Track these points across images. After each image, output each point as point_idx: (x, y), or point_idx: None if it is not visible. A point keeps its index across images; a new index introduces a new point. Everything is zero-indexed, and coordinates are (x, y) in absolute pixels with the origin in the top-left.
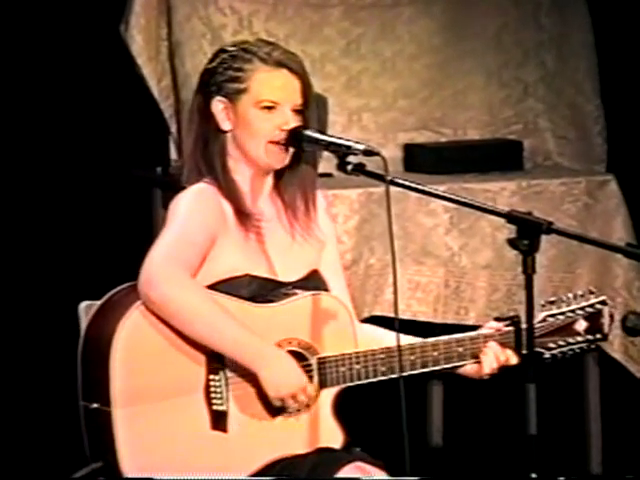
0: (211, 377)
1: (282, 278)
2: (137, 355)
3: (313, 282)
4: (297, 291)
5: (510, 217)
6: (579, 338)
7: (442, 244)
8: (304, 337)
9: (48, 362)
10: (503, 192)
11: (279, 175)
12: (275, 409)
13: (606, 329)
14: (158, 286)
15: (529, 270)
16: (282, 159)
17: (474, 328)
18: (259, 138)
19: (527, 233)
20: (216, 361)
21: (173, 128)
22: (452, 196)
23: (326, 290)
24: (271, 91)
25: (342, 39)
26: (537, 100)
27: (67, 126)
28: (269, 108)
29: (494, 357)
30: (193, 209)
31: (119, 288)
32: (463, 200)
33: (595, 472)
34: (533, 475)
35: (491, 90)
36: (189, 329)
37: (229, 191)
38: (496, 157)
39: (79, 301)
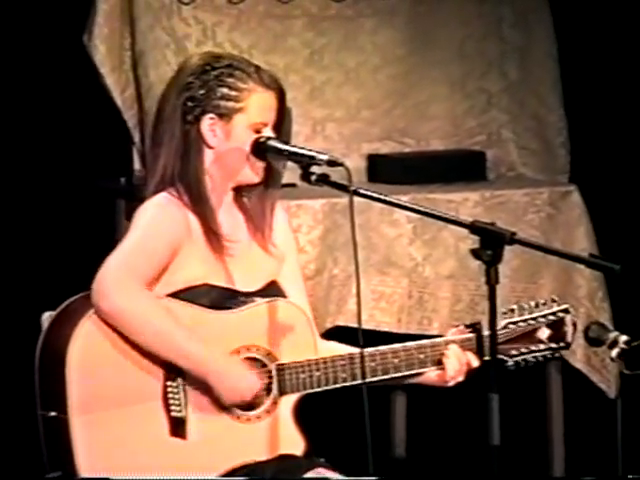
0: (168, 384)
1: (241, 289)
2: (92, 363)
3: (272, 292)
4: (255, 299)
5: (473, 227)
6: (542, 346)
7: (406, 254)
8: (263, 344)
9: (9, 373)
10: (466, 202)
11: (238, 189)
12: (234, 413)
13: (569, 337)
14: (109, 296)
15: (492, 281)
16: (259, 175)
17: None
18: (246, 157)
19: (490, 243)
20: (173, 368)
21: (137, 138)
22: (415, 206)
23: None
24: (264, 113)
25: (306, 49)
26: (500, 111)
27: (30, 136)
28: (258, 131)
29: (456, 360)
30: (156, 219)
31: (74, 298)
32: (426, 210)
33: None
34: None
35: (455, 101)
36: (139, 339)
37: (204, 206)
38: (459, 167)
39: (42, 312)
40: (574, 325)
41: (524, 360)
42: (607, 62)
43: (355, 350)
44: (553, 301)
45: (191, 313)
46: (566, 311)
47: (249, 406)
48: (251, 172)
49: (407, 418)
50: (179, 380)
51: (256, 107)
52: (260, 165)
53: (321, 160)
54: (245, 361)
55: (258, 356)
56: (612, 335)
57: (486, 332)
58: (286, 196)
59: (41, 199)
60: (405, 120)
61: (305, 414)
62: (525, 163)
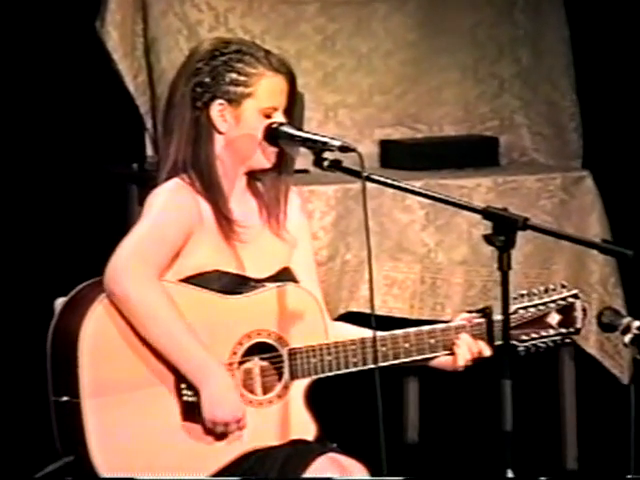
0: None
1: (252, 275)
2: (104, 347)
3: (284, 279)
4: (266, 284)
5: (486, 213)
6: (552, 331)
7: (418, 240)
8: (274, 328)
9: (23, 359)
10: (479, 188)
11: (251, 174)
12: (246, 397)
13: (579, 323)
14: (121, 282)
15: (505, 266)
16: (271, 159)
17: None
18: (257, 142)
19: (503, 229)
20: None
21: (149, 124)
22: (428, 192)
23: None
24: (274, 97)
25: (318, 35)
26: (513, 96)
27: (43, 122)
28: (269, 116)
29: (467, 349)
30: (169, 205)
31: (86, 283)
32: (439, 196)
33: (570, 467)
34: (509, 472)
35: (466, 86)
36: (143, 329)
37: (216, 194)
38: (472, 153)
39: (55, 298)
40: (584, 310)
41: (534, 345)
42: (619, 46)
43: (366, 333)
44: (563, 286)
45: (202, 297)
46: (575, 296)
47: (263, 390)
48: (263, 157)
49: (420, 403)
50: None
51: (266, 92)
52: (272, 150)
53: (333, 146)
54: (256, 346)
55: (269, 341)
56: (625, 321)
57: (497, 317)
58: (299, 182)
59: (54, 185)
60: (417, 106)
61: (317, 398)
62: (538, 148)
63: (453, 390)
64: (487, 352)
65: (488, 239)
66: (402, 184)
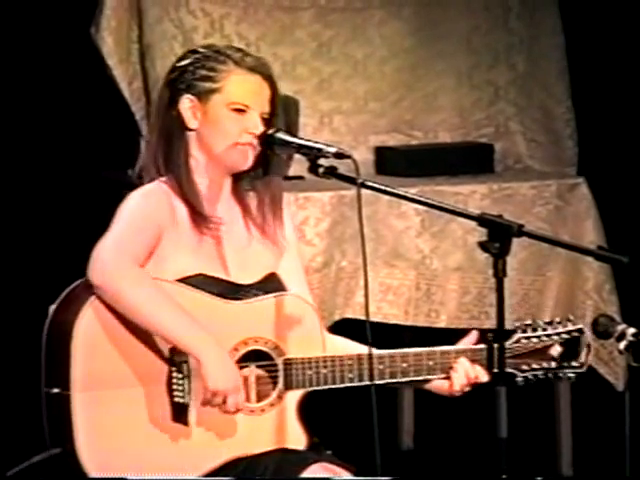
0: (173, 369)
1: (237, 280)
2: (98, 341)
3: (271, 285)
4: (257, 292)
5: (481, 220)
6: (553, 364)
7: (413, 247)
8: (271, 337)
9: (17, 364)
10: (474, 195)
11: (237, 178)
12: (244, 407)
13: (583, 358)
14: (101, 272)
15: (500, 273)
16: (247, 161)
17: (445, 331)
18: (227, 139)
19: (498, 236)
20: (179, 353)
21: (144, 130)
22: (423, 199)
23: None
24: (244, 94)
25: (313, 41)
26: (508, 103)
27: (38, 128)
28: (240, 111)
29: (464, 374)
30: (140, 204)
31: (83, 279)
32: (434, 203)
33: (565, 474)
34: (504, 477)
35: (462, 93)
36: (132, 313)
37: (188, 191)
38: (467, 160)
39: (48, 304)
40: (588, 346)
41: (534, 376)
42: (615, 53)
43: (364, 349)
44: (569, 320)
45: (200, 299)
46: (581, 331)
47: (257, 398)
48: (239, 157)
49: (415, 410)
50: (184, 366)
51: (235, 87)
52: (248, 150)
53: (329, 152)
54: (252, 353)
55: (265, 349)
56: (620, 328)
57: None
58: (294, 188)
59: (48, 191)
60: (413, 112)
61: (312, 405)
62: (533, 155)
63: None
64: (484, 378)
65: (483, 246)
66: (397, 191)
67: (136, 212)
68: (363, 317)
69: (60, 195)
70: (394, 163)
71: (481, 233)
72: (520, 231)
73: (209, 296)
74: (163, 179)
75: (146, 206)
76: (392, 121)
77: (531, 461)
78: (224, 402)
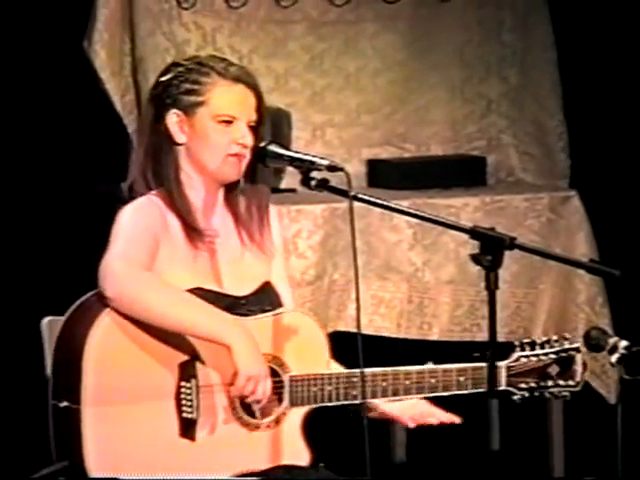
0: (182, 384)
1: (231, 292)
2: (109, 356)
3: (266, 295)
4: (256, 304)
5: (473, 233)
6: (550, 382)
7: (406, 259)
8: (278, 353)
9: (8, 378)
10: (466, 208)
11: (229, 189)
12: (244, 420)
13: (578, 377)
14: (118, 284)
15: (492, 286)
16: (238, 171)
17: (437, 344)
18: (216, 151)
19: (490, 249)
20: (188, 368)
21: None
22: (416, 212)
23: (279, 303)
24: (230, 105)
25: (306, 54)
26: (500, 116)
27: (30, 141)
28: (227, 122)
29: (419, 413)
30: (134, 217)
31: (94, 292)
32: (427, 216)
33: None
34: None
35: (454, 106)
36: (157, 318)
37: (181, 205)
38: (459, 173)
39: (41, 317)
40: (584, 364)
41: (530, 394)
42: (607, 66)
43: (367, 370)
44: (565, 338)
45: None
46: (577, 350)
47: (261, 413)
48: (228, 169)
49: None
50: (193, 381)
51: (220, 99)
52: (237, 160)
53: (321, 165)
54: None
55: (273, 365)
56: (612, 340)
57: (499, 363)
58: (286, 201)
59: (41, 204)
60: (405, 125)
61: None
62: (525, 168)
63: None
64: (441, 418)
65: (475, 258)
66: (390, 203)
67: (132, 225)
68: (355, 330)
69: (52, 208)
70: (386, 176)
71: (473, 246)
72: (512, 244)
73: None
74: (154, 192)
75: (140, 218)
76: (384, 134)
77: (523, 473)
78: (253, 391)
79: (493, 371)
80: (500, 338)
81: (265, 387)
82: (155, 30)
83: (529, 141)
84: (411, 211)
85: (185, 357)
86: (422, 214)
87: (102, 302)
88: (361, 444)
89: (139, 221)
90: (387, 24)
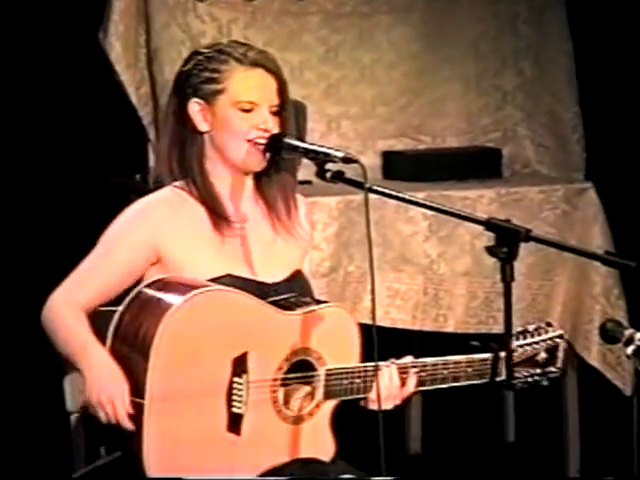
0: (235, 379)
1: (263, 279)
2: (176, 352)
3: (297, 283)
4: (307, 299)
5: (489, 224)
6: (538, 370)
7: (421, 251)
8: (317, 347)
9: (26, 372)
10: (482, 199)
11: (258, 177)
12: (283, 413)
13: (560, 363)
14: (44, 311)
15: (507, 278)
16: (260, 161)
17: (453, 335)
18: (238, 138)
19: (506, 240)
20: (241, 364)
21: (152, 135)
22: (431, 203)
23: (309, 291)
24: (249, 91)
25: (321, 46)
26: (515, 108)
27: (45, 134)
28: (247, 109)
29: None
30: (125, 227)
31: (153, 280)
32: (442, 208)
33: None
34: None
35: (469, 98)
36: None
37: (206, 194)
38: (475, 165)
39: None
40: (565, 351)
41: (523, 383)
42: (622, 58)
43: (397, 360)
44: (549, 325)
45: (256, 309)
46: (561, 337)
47: (298, 407)
48: (251, 159)
49: (422, 413)
50: (244, 377)
51: (239, 86)
52: (255, 151)
53: (336, 157)
54: (297, 364)
55: (311, 359)
56: (628, 332)
57: (502, 353)
58: (301, 193)
59: (56, 196)
60: (420, 117)
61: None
62: (540, 160)
63: (456, 401)
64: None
65: (491, 250)
66: (405, 195)
67: (113, 240)
68: (370, 322)
69: (67, 201)
70: (402, 168)
71: (489, 238)
72: (528, 236)
73: (263, 304)
74: (177, 184)
75: (134, 227)
76: (400, 126)
77: (539, 465)
78: (106, 414)
79: (509, 363)
80: (516, 330)
81: (122, 407)
82: (170, 22)
83: (544, 133)
84: (426, 203)
85: (237, 352)
86: (437, 206)
87: (178, 292)
88: (376, 437)
89: (129, 230)
90: (402, 16)
